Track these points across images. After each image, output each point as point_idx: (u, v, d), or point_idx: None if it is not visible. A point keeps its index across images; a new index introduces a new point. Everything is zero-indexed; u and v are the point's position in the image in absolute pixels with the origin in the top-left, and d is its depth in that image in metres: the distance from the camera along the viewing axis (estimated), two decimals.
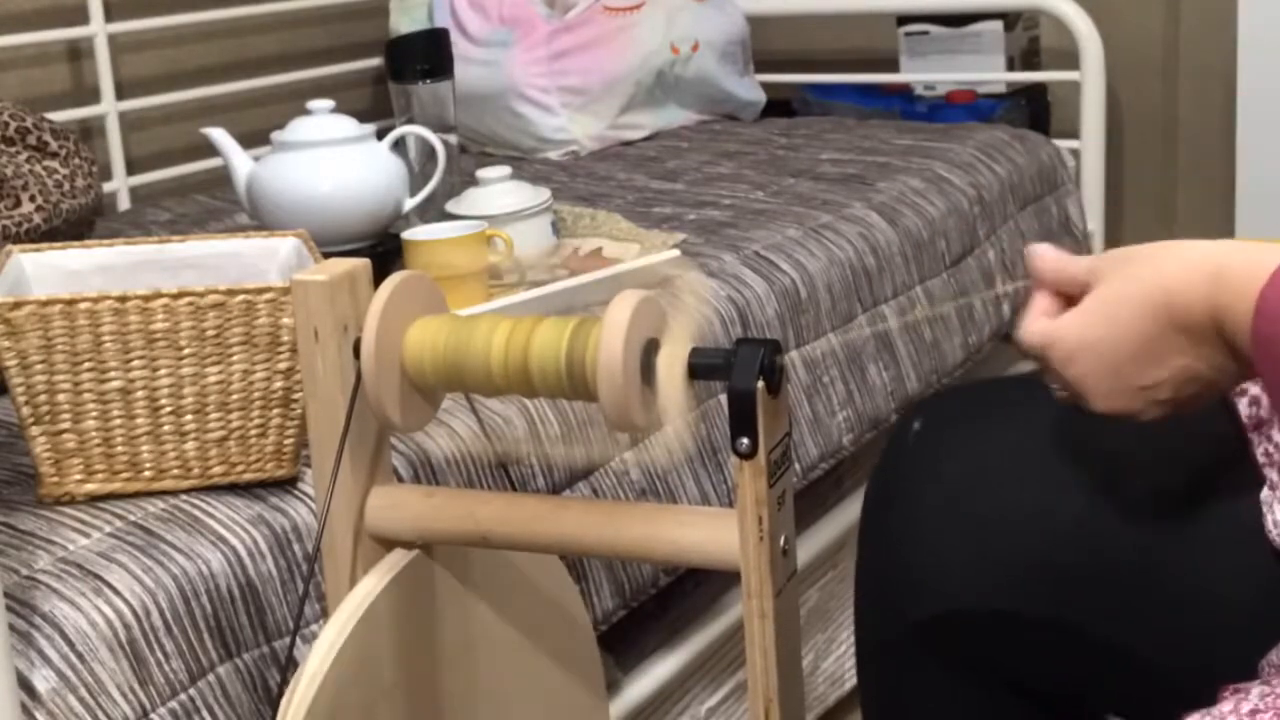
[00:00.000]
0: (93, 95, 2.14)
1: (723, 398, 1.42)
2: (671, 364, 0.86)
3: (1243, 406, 0.92)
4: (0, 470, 1.14)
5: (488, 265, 1.46)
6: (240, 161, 1.60)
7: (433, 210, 1.64)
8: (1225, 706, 0.78)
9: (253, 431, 1.07)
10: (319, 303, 0.93)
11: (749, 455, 0.85)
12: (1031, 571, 0.98)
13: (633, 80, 2.31)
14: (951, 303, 1.85)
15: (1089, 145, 2.34)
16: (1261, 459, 0.90)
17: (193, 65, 2.31)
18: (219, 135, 1.62)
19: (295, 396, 1.07)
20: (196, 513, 1.06)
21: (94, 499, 1.07)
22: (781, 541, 0.88)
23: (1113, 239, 2.50)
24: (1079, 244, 2.28)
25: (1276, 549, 0.88)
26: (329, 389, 0.95)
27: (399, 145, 1.63)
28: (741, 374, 0.84)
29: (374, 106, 2.53)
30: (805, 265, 1.65)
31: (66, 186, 1.51)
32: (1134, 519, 0.95)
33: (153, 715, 0.97)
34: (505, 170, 1.65)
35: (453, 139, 1.76)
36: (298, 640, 1.06)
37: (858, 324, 1.70)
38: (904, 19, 2.53)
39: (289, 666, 1.03)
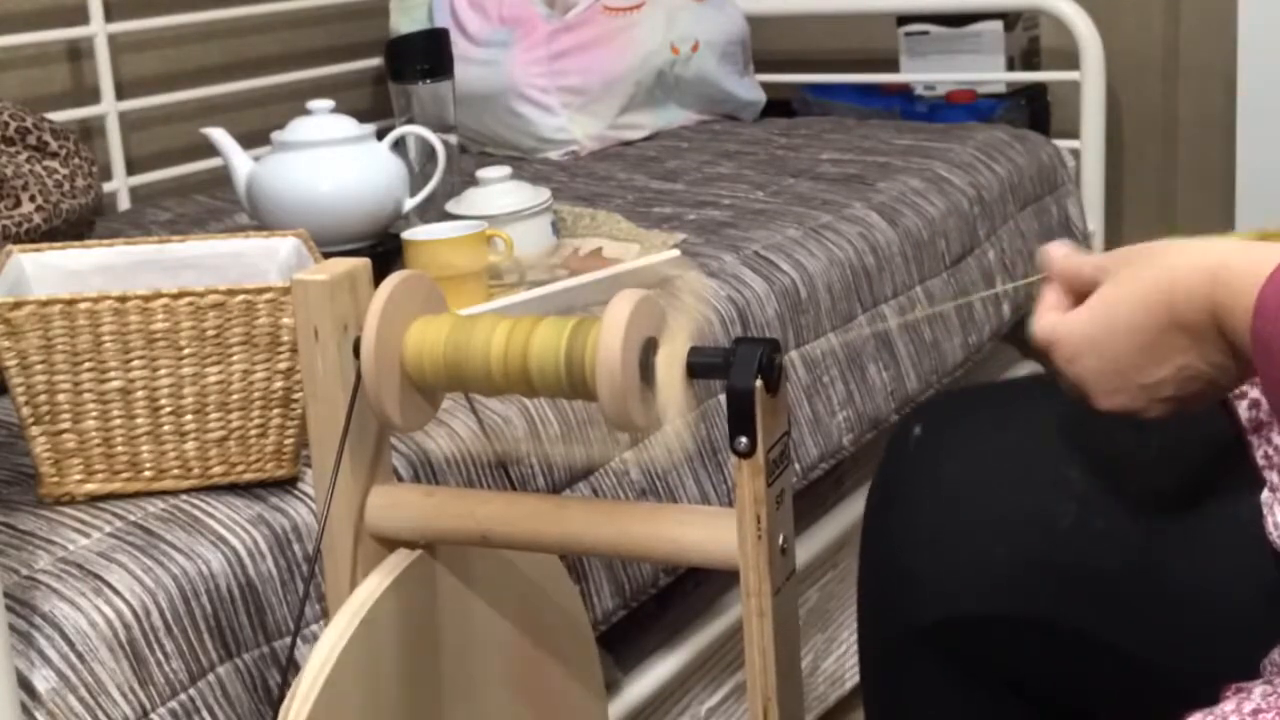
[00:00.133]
0: (93, 95, 2.14)
1: (722, 397, 1.42)
2: (670, 363, 0.86)
3: (1242, 409, 0.92)
4: (0, 470, 1.14)
5: (488, 265, 1.46)
6: (240, 161, 1.60)
7: (433, 210, 1.64)
8: (1228, 706, 0.78)
9: (253, 431, 1.07)
10: (319, 302, 0.93)
11: (747, 454, 0.85)
12: (1032, 572, 0.98)
13: (633, 80, 2.31)
14: (950, 303, 1.85)
15: (1089, 145, 2.34)
16: (1261, 461, 0.90)
17: (193, 65, 2.31)
18: (219, 135, 1.62)
19: (295, 396, 1.07)
20: (196, 513, 1.06)
21: (94, 499, 1.07)
22: (780, 540, 0.88)
23: (1113, 239, 2.50)
24: (1079, 244, 2.28)
25: (1277, 550, 0.88)
26: (329, 389, 0.95)
27: (399, 145, 1.63)
28: (740, 373, 0.84)
29: (374, 106, 2.53)
30: (805, 265, 1.65)
31: (66, 186, 1.51)
32: (1134, 520, 0.95)
33: (153, 715, 0.97)
34: (505, 170, 1.65)
35: (453, 139, 1.76)
36: (298, 641, 1.06)
37: (858, 324, 1.70)
38: (904, 19, 2.53)
39: (289, 667, 1.03)
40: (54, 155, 1.53)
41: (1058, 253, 0.88)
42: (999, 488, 1.00)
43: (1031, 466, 1.00)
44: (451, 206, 1.63)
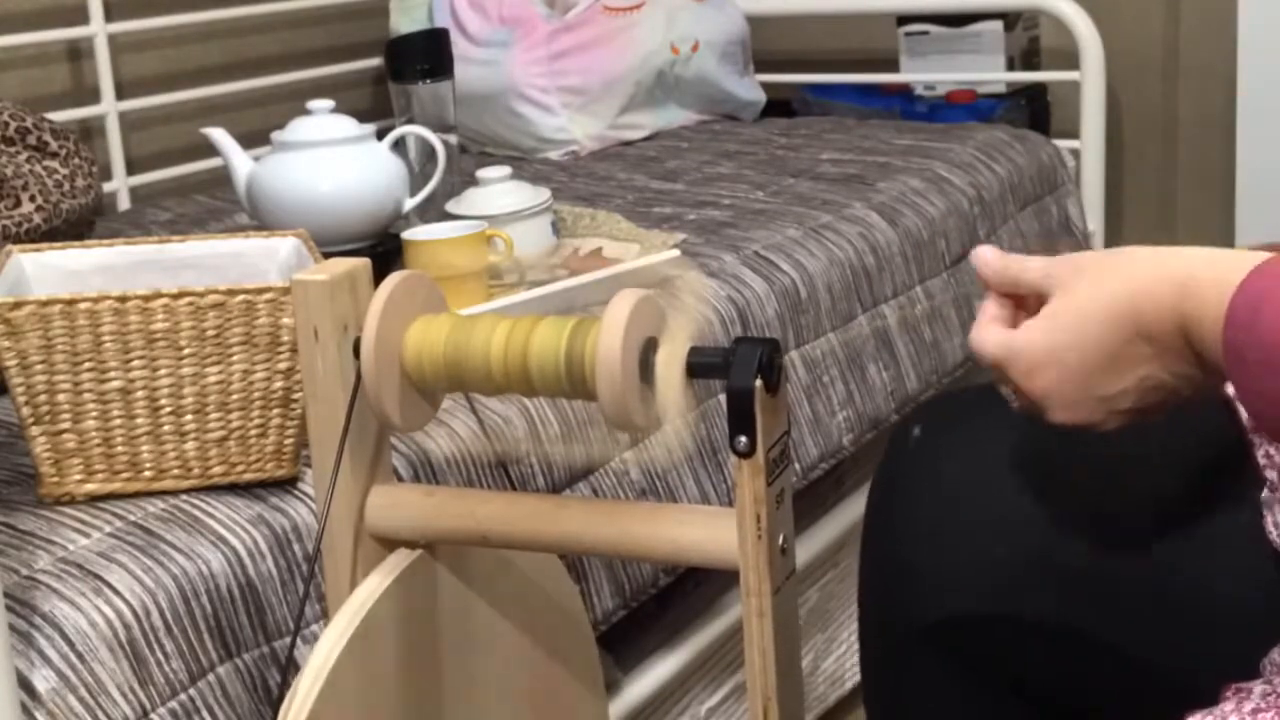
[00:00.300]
0: (93, 95, 2.14)
1: (722, 397, 1.42)
2: (670, 362, 0.86)
3: (1243, 410, 0.92)
4: (0, 470, 1.14)
5: (488, 265, 1.46)
6: (240, 161, 1.60)
7: (433, 210, 1.64)
8: (1227, 706, 0.78)
9: (253, 431, 1.07)
10: (319, 302, 0.93)
11: (747, 454, 0.85)
12: (1032, 572, 0.98)
13: (633, 80, 2.31)
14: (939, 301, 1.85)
15: (1089, 145, 2.34)
16: (1262, 460, 0.90)
17: (193, 65, 2.31)
18: (219, 135, 1.62)
19: (295, 396, 1.07)
20: (196, 513, 1.06)
21: (94, 499, 1.07)
22: (780, 540, 0.88)
23: (1113, 239, 2.50)
24: (1079, 244, 2.28)
25: (1277, 550, 0.88)
26: (329, 389, 0.95)
27: (399, 145, 1.63)
28: (740, 372, 0.84)
29: (374, 106, 2.53)
30: (805, 265, 1.65)
31: (66, 186, 1.51)
32: (1134, 520, 0.95)
33: (153, 715, 0.97)
34: (505, 170, 1.65)
35: (453, 139, 1.76)
36: (298, 640, 1.06)
37: (858, 324, 1.70)
38: (904, 19, 2.53)
39: (289, 667, 1.03)
40: (54, 155, 1.53)
41: (992, 258, 0.85)
42: (999, 487, 1.00)
43: (1031, 466, 0.99)
44: (451, 206, 1.63)
